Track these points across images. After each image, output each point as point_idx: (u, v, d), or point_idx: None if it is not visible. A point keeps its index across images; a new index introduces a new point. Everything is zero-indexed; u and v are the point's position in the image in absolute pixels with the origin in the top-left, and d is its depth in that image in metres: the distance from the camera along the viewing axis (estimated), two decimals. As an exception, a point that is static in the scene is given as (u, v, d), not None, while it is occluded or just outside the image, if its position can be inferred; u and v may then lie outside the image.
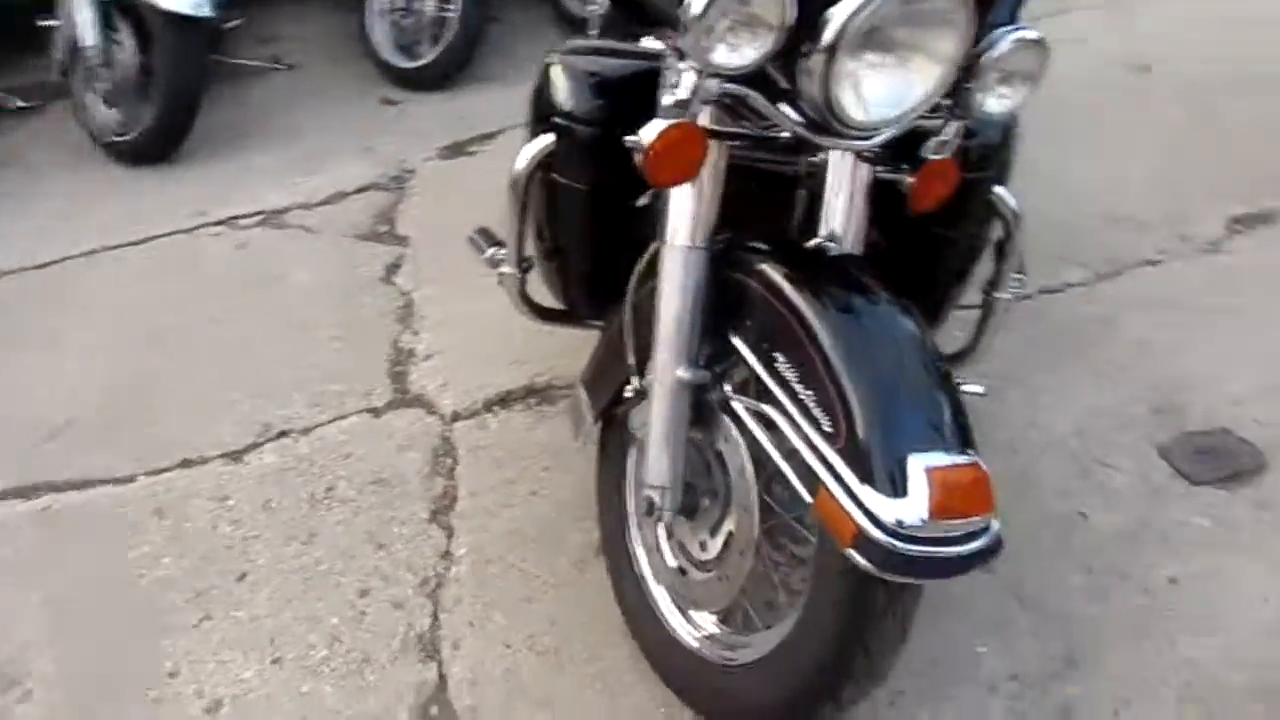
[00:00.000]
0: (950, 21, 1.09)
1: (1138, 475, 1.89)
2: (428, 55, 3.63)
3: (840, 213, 1.28)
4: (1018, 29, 1.14)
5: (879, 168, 1.29)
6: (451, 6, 3.53)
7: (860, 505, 1.04)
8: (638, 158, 1.14)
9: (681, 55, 1.12)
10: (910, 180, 1.28)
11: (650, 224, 1.57)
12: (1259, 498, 1.84)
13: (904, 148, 1.24)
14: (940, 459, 1.05)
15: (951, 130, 1.22)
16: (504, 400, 2.12)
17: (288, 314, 2.47)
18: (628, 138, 1.14)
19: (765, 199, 1.41)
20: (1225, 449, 1.95)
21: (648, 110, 1.17)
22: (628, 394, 1.43)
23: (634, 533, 1.57)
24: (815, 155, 1.30)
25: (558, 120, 1.49)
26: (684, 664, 1.48)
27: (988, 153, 1.44)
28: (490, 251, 1.68)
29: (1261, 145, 3.00)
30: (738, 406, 1.25)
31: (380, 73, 3.74)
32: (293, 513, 1.88)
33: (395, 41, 3.71)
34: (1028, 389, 2.09)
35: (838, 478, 1.07)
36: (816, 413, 1.11)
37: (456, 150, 3.24)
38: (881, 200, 1.30)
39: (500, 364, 2.22)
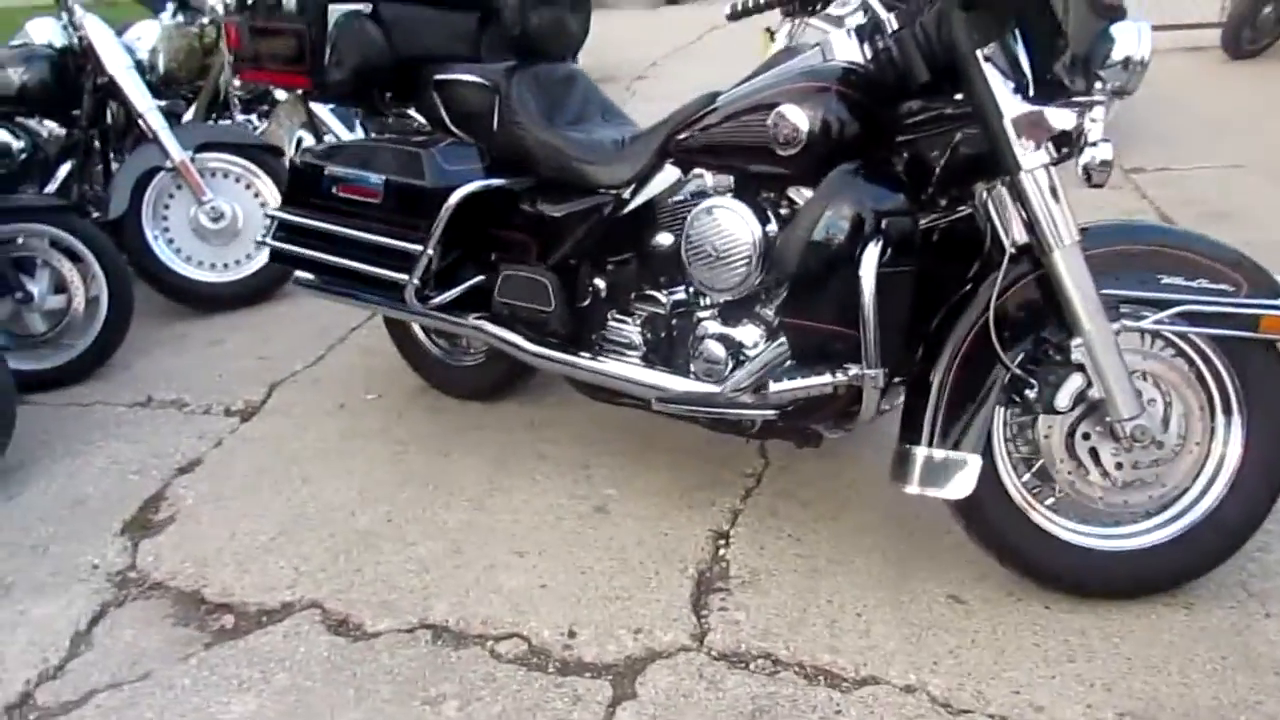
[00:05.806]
0: None
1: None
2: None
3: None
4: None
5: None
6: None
7: None
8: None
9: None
10: None
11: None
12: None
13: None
14: None
15: None
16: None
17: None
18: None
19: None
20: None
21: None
22: (1030, 394, 1.86)
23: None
24: None
25: (885, 222, 1.84)
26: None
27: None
28: (846, 373, 1.90)
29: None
30: (1146, 322, 1.83)
31: None
32: None
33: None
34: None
35: (1264, 305, 1.77)
36: (1216, 287, 1.80)
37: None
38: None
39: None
